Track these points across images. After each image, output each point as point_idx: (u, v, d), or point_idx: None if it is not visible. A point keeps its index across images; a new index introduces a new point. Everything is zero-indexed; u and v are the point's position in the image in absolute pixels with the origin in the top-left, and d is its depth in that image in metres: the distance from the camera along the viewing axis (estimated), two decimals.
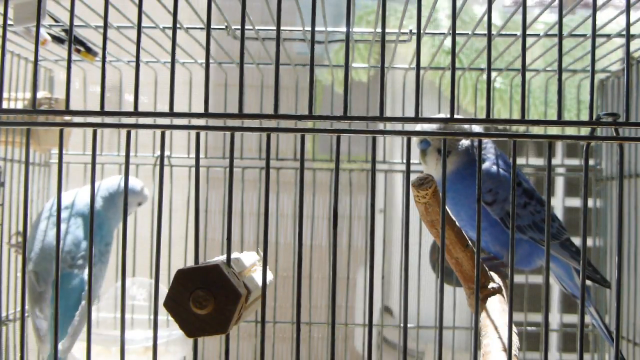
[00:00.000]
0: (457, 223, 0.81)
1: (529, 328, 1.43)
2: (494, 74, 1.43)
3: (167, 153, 1.46)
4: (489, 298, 0.81)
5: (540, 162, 1.57)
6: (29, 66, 1.35)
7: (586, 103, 1.39)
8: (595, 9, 0.66)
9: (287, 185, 1.78)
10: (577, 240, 1.07)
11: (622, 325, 1.33)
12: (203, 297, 0.59)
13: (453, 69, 0.63)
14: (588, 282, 1.17)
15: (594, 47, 0.65)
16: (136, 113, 0.64)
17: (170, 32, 0.83)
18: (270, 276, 0.78)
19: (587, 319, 1.15)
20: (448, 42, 1.45)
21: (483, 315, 0.76)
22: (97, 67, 1.26)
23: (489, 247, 1.06)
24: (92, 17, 1.05)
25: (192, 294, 0.60)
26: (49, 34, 1.12)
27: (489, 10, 0.65)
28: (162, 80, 1.32)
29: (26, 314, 1.12)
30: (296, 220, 1.66)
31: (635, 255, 1.29)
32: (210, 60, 0.70)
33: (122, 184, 1.09)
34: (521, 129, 1.28)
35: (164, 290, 0.64)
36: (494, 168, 1.04)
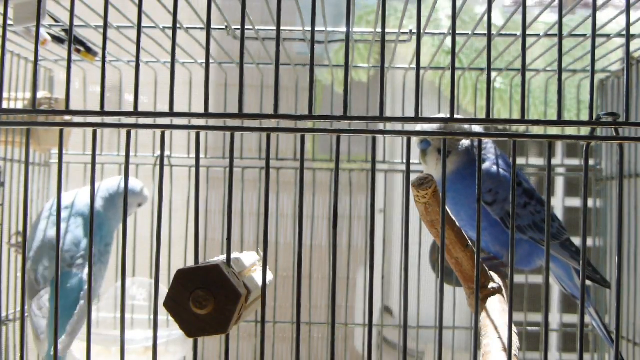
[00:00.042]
0: (457, 223, 0.81)
1: (529, 328, 1.43)
2: (494, 74, 1.43)
3: (167, 153, 1.46)
4: (489, 298, 0.81)
5: (540, 162, 1.57)
6: (29, 66, 1.35)
7: (586, 103, 1.39)
8: (595, 9, 0.66)
9: (287, 185, 1.78)
10: (577, 240, 1.07)
11: (622, 325, 1.33)
12: (203, 297, 0.59)
13: (453, 69, 0.63)
14: (588, 283, 1.17)
15: (594, 47, 0.65)
16: (136, 113, 0.64)
17: (170, 32, 0.83)
18: (270, 276, 0.78)
19: (587, 319, 1.15)
20: (448, 42, 1.45)
21: (483, 315, 0.76)
22: (97, 67, 1.26)
23: (489, 247, 1.06)
24: (92, 17, 1.05)
25: (192, 294, 0.60)
26: (49, 34, 1.12)
27: (489, 10, 0.65)
28: (162, 80, 1.32)
29: (26, 314, 1.12)
30: (296, 220, 1.66)
31: (635, 255, 1.29)
32: (210, 60, 0.70)
33: (122, 185, 1.09)
34: (521, 129, 1.28)
35: (164, 290, 0.64)
36: (494, 168, 1.04)
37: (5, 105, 1.14)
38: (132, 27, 1.14)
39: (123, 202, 0.67)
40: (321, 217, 1.95)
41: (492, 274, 0.88)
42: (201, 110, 0.64)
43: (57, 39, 1.14)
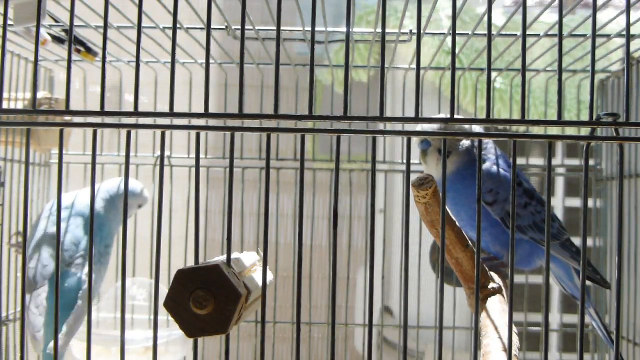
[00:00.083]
0: (457, 223, 0.81)
1: (529, 328, 1.43)
2: (494, 74, 1.43)
3: (167, 153, 1.46)
4: (489, 298, 0.81)
5: (540, 162, 1.57)
6: (29, 66, 1.35)
7: (586, 103, 1.39)
8: (595, 9, 0.66)
9: (287, 185, 1.78)
10: (577, 240, 1.07)
11: (622, 325, 1.33)
12: (203, 297, 0.59)
13: (453, 69, 0.63)
14: (588, 283, 1.17)
15: (594, 47, 0.65)
16: (136, 113, 0.64)
17: (170, 32, 0.83)
18: (270, 276, 0.78)
19: (587, 319, 1.15)
20: (448, 42, 1.45)
21: (483, 315, 0.76)
22: (97, 67, 1.26)
23: (489, 247, 1.06)
24: (92, 17, 1.05)
25: (192, 294, 0.60)
26: (49, 34, 1.12)
27: (489, 10, 0.65)
28: (162, 80, 1.32)
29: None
30: (296, 220, 1.66)
31: (635, 255, 1.29)
32: (210, 60, 0.70)
33: (122, 186, 1.09)
34: (521, 129, 1.28)
35: (164, 290, 0.64)
36: (495, 168, 1.04)
37: (5, 105, 1.14)
38: (132, 27, 1.14)
39: (123, 203, 0.67)
40: (321, 217, 1.95)
41: (492, 274, 0.88)
42: (201, 110, 0.64)
43: (57, 39, 1.14)
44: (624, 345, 1.34)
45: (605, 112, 0.64)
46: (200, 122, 0.64)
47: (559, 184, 1.62)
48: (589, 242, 1.46)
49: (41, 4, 0.67)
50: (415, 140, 1.04)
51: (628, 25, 0.65)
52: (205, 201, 1.51)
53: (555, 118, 0.65)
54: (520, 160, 1.48)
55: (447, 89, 1.51)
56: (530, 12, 0.76)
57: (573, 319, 1.59)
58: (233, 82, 1.39)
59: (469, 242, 0.80)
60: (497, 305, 0.78)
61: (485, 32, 0.64)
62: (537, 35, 1.16)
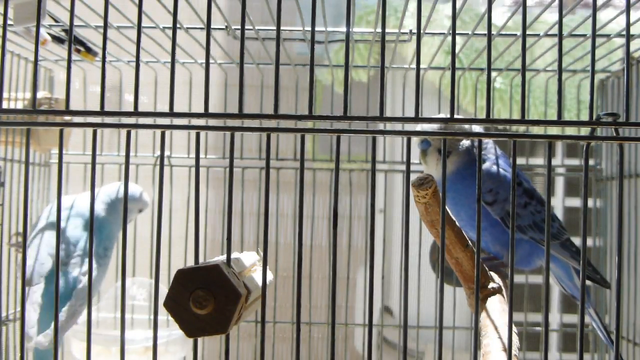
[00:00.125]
0: (457, 223, 0.81)
1: (529, 328, 1.43)
2: (494, 74, 1.43)
3: (167, 153, 1.46)
4: (489, 298, 0.81)
5: (540, 161, 1.57)
6: (29, 66, 1.35)
7: (586, 103, 1.40)
8: (595, 9, 0.66)
9: (287, 185, 1.78)
10: (577, 240, 1.07)
11: (622, 326, 1.33)
12: (203, 297, 0.59)
13: (453, 69, 0.63)
14: (588, 283, 1.17)
15: (594, 47, 0.65)
16: (136, 113, 0.64)
17: (170, 32, 0.83)
18: (270, 276, 0.78)
19: (587, 319, 1.15)
20: (448, 42, 1.45)
21: (483, 315, 0.76)
22: (97, 67, 1.26)
23: (489, 247, 1.06)
24: (92, 17, 1.05)
25: (192, 294, 0.60)
26: (49, 34, 1.12)
27: (489, 10, 0.65)
28: (162, 80, 1.32)
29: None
30: (296, 220, 1.66)
31: (635, 255, 1.29)
32: (211, 60, 0.70)
33: (122, 190, 1.09)
34: (521, 129, 1.28)
35: (164, 290, 0.64)
36: (495, 168, 1.04)
37: (5, 105, 1.14)
38: (132, 27, 1.14)
39: (123, 205, 0.67)
40: (321, 217, 1.95)
41: (492, 274, 0.88)
42: (201, 110, 0.64)
43: (57, 39, 1.14)
44: (624, 345, 1.34)
45: (605, 112, 0.64)
46: (200, 122, 0.64)
47: (559, 184, 1.62)
48: (589, 242, 1.46)
49: (41, 4, 0.67)
50: (415, 140, 1.04)
51: (628, 25, 0.65)
52: (205, 201, 1.51)
53: (555, 118, 0.65)
54: (520, 160, 1.48)
55: (447, 89, 1.51)
56: (531, 12, 0.76)
57: (573, 319, 1.59)
58: (233, 82, 1.39)
59: (469, 242, 0.80)
60: (497, 305, 0.78)
61: (485, 32, 0.64)
62: (537, 35, 1.16)
